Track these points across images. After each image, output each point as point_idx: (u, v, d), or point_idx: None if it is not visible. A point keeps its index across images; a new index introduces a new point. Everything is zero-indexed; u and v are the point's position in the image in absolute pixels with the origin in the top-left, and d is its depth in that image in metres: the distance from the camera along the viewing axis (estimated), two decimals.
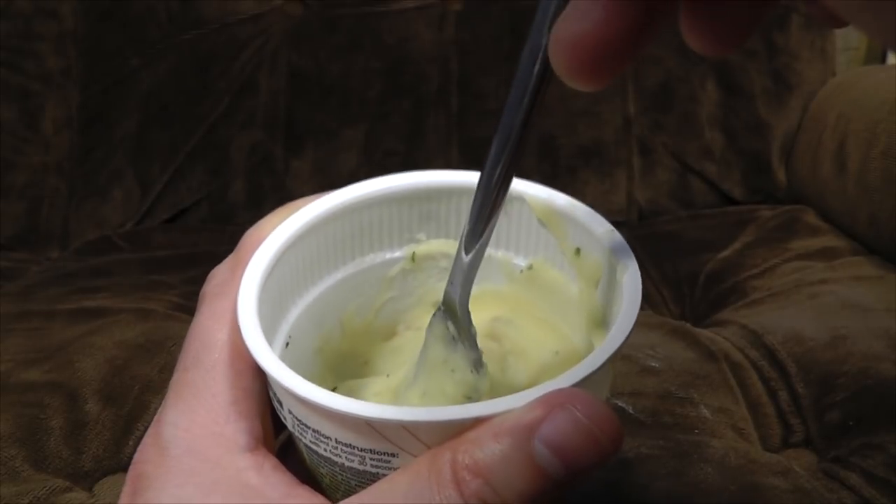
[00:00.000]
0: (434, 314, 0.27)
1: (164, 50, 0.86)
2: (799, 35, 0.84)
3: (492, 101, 0.84)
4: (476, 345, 0.27)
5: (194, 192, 0.86)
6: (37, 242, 0.85)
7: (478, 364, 0.27)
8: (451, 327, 0.27)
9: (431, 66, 0.85)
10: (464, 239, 0.25)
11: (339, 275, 0.30)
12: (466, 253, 0.25)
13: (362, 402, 0.21)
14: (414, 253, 0.31)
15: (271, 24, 0.86)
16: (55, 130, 0.88)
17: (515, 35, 0.84)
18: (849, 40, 0.92)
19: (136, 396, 0.52)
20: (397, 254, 0.31)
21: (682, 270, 0.70)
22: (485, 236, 0.25)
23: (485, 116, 0.84)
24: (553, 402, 0.20)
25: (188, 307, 0.64)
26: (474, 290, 0.27)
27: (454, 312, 0.27)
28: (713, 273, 0.68)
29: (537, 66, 0.21)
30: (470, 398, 0.27)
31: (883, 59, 0.96)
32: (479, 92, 0.84)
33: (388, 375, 0.30)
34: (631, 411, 0.49)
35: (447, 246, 0.31)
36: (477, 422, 0.21)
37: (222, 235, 0.82)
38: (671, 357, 0.54)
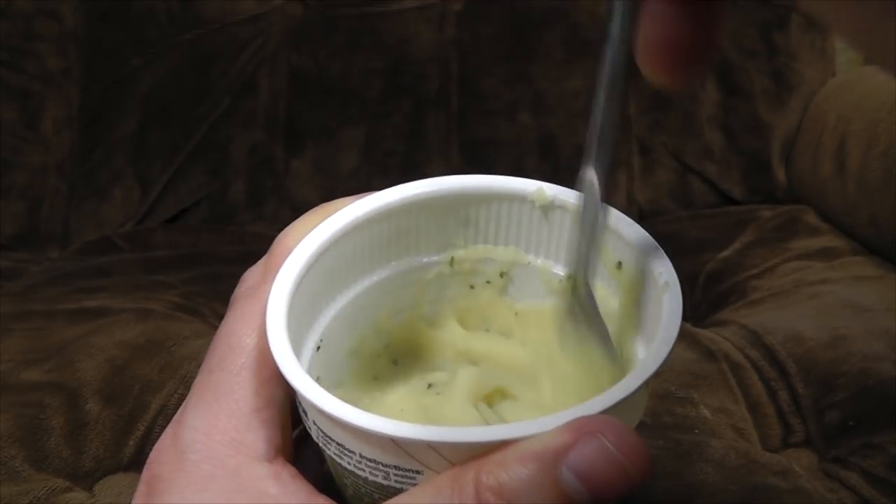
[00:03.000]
0: (564, 290, 0.28)
1: (164, 50, 0.86)
2: (799, 35, 0.84)
3: (492, 102, 0.84)
4: (601, 319, 0.27)
5: (194, 192, 0.85)
6: (37, 242, 0.85)
7: (605, 338, 0.27)
8: (576, 305, 0.27)
9: (431, 66, 0.84)
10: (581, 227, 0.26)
11: (374, 278, 0.30)
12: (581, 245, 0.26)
13: (387, 419, 0.21)
14: (453, 258, 0.31)
15: (271, 24, 0.86)
16: (55, 130, 0.87)
17: (515, 35, 0.84)
18: None
19: (136, 396, 0.52)
20: (434, 258, 0.30)
21: (682, 270, 0.69)
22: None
23: (485, 116, 0.84)
24: (582, 429, 0.20)
25: (188, 307, 0.64)
26: (517, 306, 0.28)
27: (578, 288, 0.27)
28: (713, 273, 0.68)
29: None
30: (605, 371, 0.27)
31: None
32: (479, 92, 0.84)
33: (429, 386, 0.30)
34: None
35: (486, 251, 0.30)
36: (503, 444, 0.20)
37: (222, 235, 0.82)
38: (671, 357, 0.54)
